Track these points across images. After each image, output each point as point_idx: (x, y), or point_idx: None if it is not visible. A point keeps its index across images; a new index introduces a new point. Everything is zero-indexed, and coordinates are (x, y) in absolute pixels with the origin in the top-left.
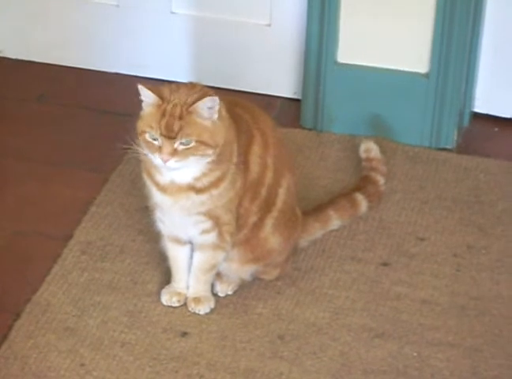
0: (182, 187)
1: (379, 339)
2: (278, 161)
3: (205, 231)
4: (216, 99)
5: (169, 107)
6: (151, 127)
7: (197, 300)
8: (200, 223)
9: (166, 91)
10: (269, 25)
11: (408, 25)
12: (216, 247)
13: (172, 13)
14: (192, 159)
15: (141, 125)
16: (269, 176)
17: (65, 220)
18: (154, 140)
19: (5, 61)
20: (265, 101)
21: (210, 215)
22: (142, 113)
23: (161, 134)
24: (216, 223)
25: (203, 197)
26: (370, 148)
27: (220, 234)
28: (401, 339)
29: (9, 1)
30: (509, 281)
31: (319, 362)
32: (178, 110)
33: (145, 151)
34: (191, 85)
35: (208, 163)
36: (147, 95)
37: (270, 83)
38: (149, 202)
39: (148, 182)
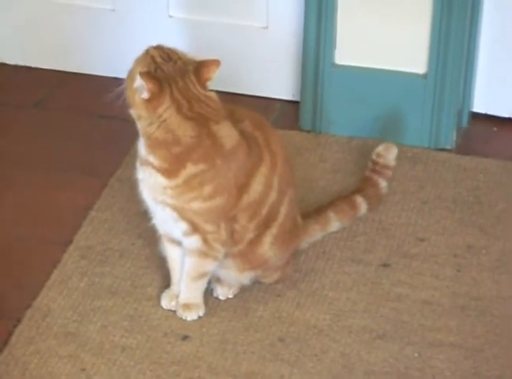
0: (143, 160)
1: (380, 340)
2: (283, 180)
3: (185, 233)
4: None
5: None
6: None
7: (185, 306)
8: (176, 221)
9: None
10: (266, 28)
11: (406, 26)
12: (202, 254)
13: (170, 16)
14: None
15: None
16: (272, 196)
17: (64, 225)
18: None
19: (3, 67)
20: (264, 104)
21: (182, 215)
22: None
23: None
24: (195, 228)
25: (163, 181)
26: (382, 155)
27: (206, 242)
28: (402, 340)
29: (6, 7)
30: (509, 281)
31: (320, 364)
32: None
33: None
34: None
35: (143, 135)
36: None
37: (268, 85)
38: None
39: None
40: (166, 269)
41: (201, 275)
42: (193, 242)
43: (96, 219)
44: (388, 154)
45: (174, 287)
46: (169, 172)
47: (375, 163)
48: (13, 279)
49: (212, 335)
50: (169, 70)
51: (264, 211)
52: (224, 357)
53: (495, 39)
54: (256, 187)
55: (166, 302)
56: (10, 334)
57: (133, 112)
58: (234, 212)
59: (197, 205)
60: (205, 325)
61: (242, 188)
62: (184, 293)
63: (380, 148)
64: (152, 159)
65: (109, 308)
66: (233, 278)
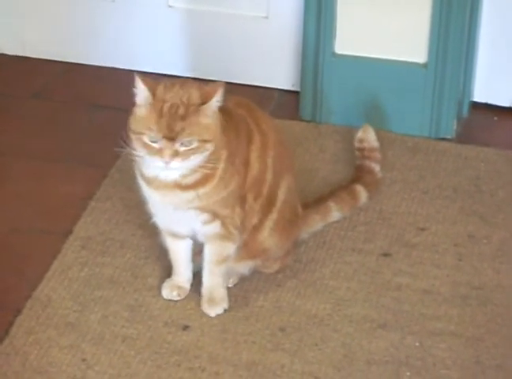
0: (167, 184)
1: (381, 329)
2: (278, 162)
3: (205, 222)
4: (222, 91)
5: (166, 107)
6: (150, 129)
7: (211, 301)
8: (196, 215)
9: (160, 88)
10: (267, 17)
11: (406, 15)
12: (223, 238)
13: (169, 6)
14: (193, 157)
15: (137, 126)
16: (269, 175)
17: (64, 216)
18: (153, 142)
19: (2, 57)
20: (264, 93)
21: (204, 209)
22: (136, 111)
23: (163, 136)
24: (215, 215)
25: (189, 194)
26: (363, 138)
27: (224, 225)
28: (403, 330)
29: None
30: (510, 270)
31: (321, 354)
32: (180, 111)
33: (141, 152)
34: (184, 82)
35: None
36: (140, 89)
37: (268, 75)
38: (142, 196)
39: (138, 176)
40: (166, 259)
41: (224, 260)
42: (213, 228)
43: (96, 209)
44: (368, 135)
45: (177, 278)
46: (206, 179)
47: (361, 149)
48: (14, 269)
49: (213, 325)
50: (173, 93)
51: (265, 190)
52: (225, 347)
53: (495, 29)
54: (254, 164)
55: (167, 292)
56: (11, 324)
57: (211, 147)
58: (244, 191)
59: (222, 194)
60: (205, 315)
61: (245, 164)
62: (208, 282)
63: (359, 134)
64: (192, 177)
65: (109, 298)
66: (231, 268)
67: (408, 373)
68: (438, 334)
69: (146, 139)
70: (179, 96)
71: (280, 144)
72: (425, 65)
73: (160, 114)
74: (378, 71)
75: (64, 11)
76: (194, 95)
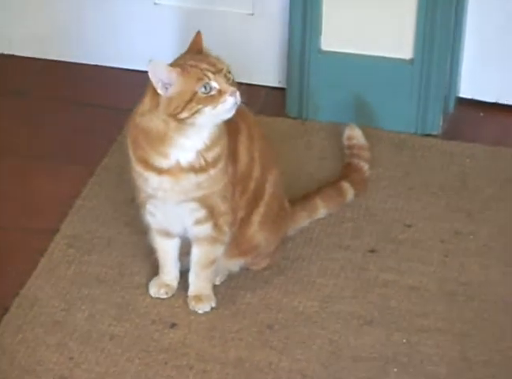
0: (183, 168)
1: (368, 326)
2: (264, 156)
3: (199, 221)
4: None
5: (190, 62)
6: (199, 79)
7: (197, 298)
8: (194, 211)
9: (169, 64)
10: (252, 14)
11: (392, 11)
12: (213, 240)
13: (155, 4)
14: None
15: (181, 98)
16: (256, 170)
17: (51, 214)
18: (207, 92)
19: None
20: (249, 91)
21: (205, 202)
22: (167, 97)
23: (214, 73)
24: (212, 213)
25: (201, 177)
26: (352, 136)
27: (217, 226)
28: (390, 326)
29: None
30: (497, 266)
31: (308, 351)
32: (199, 56)
33: (203, 113)
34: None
35: (213, 133)
36: (162, 71)
37: (254, 72)
38: (138, 197)
39: (145, 172)
40: (153, 257)
41: (211, 263)
42: (205, 229)
43: (83, 207)
44: (356, 132)
45: (164, 276)
46: (219, 157)
47: (351, 146)
48: (0, 268)
49: (200, 322)
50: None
51: (252, 185)
52: (212, 344)
53: (481, 25)
54: (242, 157)
55: (154, 290)
56: None
57: None
58: (234, 185)
59: (223, 182)
60: (192, 313)
61: (234, 156)
62: (194, 284)
63: (347, 132)
64: (208, 156)
65: (96, 296)
66: (222, 265)
67: (395, 370)
68: (425, 330)
69: (201, 93)
70: (185, 57)
71: (263, 137)
72: (411, 62)
73: (193, 65)
74: (364, 67)
75: (49, 8)
76: (190, 52)
